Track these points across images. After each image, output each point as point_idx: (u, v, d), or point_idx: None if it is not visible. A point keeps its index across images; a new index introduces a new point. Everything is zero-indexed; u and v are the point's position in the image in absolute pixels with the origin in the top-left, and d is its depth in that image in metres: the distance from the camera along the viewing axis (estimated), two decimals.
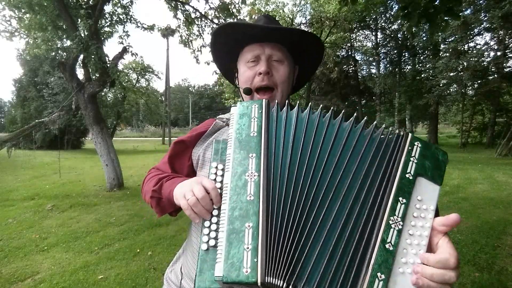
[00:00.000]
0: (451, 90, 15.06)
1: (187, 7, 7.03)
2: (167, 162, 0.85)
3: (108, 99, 17.28)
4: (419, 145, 0.55)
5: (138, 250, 3.20)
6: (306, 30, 0.84)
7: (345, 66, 21.27)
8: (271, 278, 0.47)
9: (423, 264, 0.47)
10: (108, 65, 5.63)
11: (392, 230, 0.49)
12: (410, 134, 0.56)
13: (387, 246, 0.48)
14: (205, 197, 0.57)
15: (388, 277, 0.46)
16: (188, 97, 51.13)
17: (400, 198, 0.51)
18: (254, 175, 0.54)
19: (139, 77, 19.85)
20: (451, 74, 13.57)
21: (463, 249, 3.03)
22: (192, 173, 0.83)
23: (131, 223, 4.09)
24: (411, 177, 0.52)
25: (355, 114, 0.61)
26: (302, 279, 0.47)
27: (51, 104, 16.41)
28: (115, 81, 5.99)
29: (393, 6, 16.58)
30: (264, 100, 0.63)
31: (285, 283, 0.47)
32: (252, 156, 0.56)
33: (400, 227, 0.49)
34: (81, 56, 5.73)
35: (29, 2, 5.05)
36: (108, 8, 6.35)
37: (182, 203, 0.62)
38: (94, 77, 5.99)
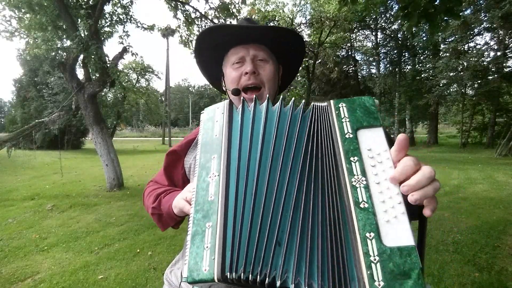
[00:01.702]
0: (451, 90, 15.05)
1: (187, 7, 7.03)
2: (163, 173, 0.87)
3: (108, 99, 17.28)
4: (344, 104, 0.56)
5: (138, 250, 3.20)
6: (289, 28, 0.86)
7: (345, 66, 21.27)
8: (230, 273, 0.47)
9: (401, 185, 0.48)
10: (108, 65, 5.63)
11: (358, 189, 0.49)
12: (331, 101, 0.58)
13: (361, 205, 0.48)
14: None
15: (378, 231, 0.46)
16: (188, 97, 51.14)
17: (351, 158, 0.51)
18: (215, 176, 0.56)
19: (139, 77, 19.86)
20: (451, 74, 13.57)
21: (463, 249, 3.04)
22: (187, 181, 0.85)
23: (131, 223, 4.09)
24: (351, 135, 0.53)
25: (281, 97, 0.62)
26: (267, 268, 0.47)
27: (51, 104, 16.41)
28: (115, 81, 5.99)
29: (393, 6, 16.57)
30: (226, 101, 0.64)
31: (246, 275, 0.47)
32: (213, 157, 0.58)
33: (364, 183, 0.49)
34: (81, 56, 5.73)
35: (29, 2, 5.05)
36: (108, 8, 6.36)
37: (181, 204, 0.64)
38: (94, 77, 5.99)
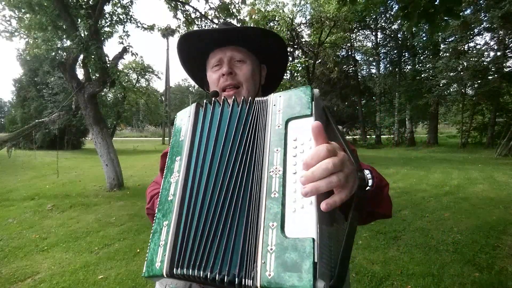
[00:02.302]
0: (451, 90, 15.06)
1: (187, 7, 7.03)
2: (160, 175, 0.90)
3: (108, 99, 17.30)
4: (281, 96, 0.57)
5: (138, 250, 3.20)
6: (259, 27, 0.87)
7: (345, 66, 21.29)
8: (179, 269, 0.49)
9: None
10: (108, 65, 5.63)
11: (273, 179, 0.50)
12: (272, 94, 0.58)
13: (272, 195, 0.48)
14: None
15: (282, 222, 0.46)
16: (188, 97, 51.11)
17: (275, 149, 0.52)
18: (176, 176, 0.58)
19: (139, 77, 19.87)
20: (451, 74, 13.57)
21: (463, 249, 3.03)
22: None
23: (131, 223, 4.09)
24: (281, 126, 0.54)
25: (233, 97, 0.63)
26: (208, 266, 0.48)
27: (51, 104, 16.42)
28: (115, 81, 5.99)
29: (393, 6, 16.58)
30: (193, 104, 0.65)
31: (192, 271, 0.48)
32: (177, 159, 0.60)
33: (280, 173, 0.50)
34: (81, 56, 5.73)
35: (29, 2, 5.05)
36: (108, 8, 6.35)
37: None
38: (94, 77, 6.00)
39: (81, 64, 6.04)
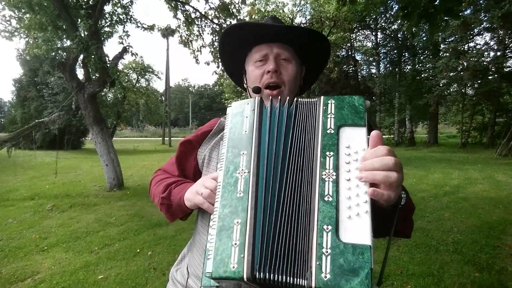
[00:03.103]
0: (451, 90, 15.06)
1: (187, 7, 7.03)
2: (175, 163, 0.86)
3: (108, 99, 17.28)
4: (333, 101, 0.57)
5: (138, 250, 3.20)
6: (316, 30, 0.85)
7: (345, 66, 21.26)
8: (258, 272, 0.47)
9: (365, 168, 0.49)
10: (108, 65, 5.63)
11: (327, 183, 0.50)
12: (322, 97, 0.58)
13: (326, 198, 0.49)
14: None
15: (336, 226, 0.47)
16: (188, 97, 51.12)
17: (327, 153, 0.52)
18: (244, 172, 0.55)
19: (139, 77, 19.86)
20: (451, 74, 13.57)
21: (463, 249, 3.04)
22: (198, 173, 0.83)
23: (131, 223, 4.09)
24: (332, 131, 0.54)
25: (279, 98, 0.63)
26: (287, 267, 0.48)
27: (51, 104, 16.41)
28: (115, 81, 5.99)
29: (393, 6, 16.57)
30: (256, 98, 0.63)
31: (272, 275, 0.47)
32: (243, 153, 0.57)
33: (334, 177, 0.50)
34: (81, 56, 5.73)
35: (29, 2, 5.05)
36: (108, 8, 6.35)
37: (197, 200, 0.64)
38: (94, 77, 6.00)
39: (81, 64, 6.04)
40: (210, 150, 0.80)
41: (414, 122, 19.67)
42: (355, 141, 0.53)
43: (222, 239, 0.50)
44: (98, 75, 5.83)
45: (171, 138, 24.82)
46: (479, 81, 13.61)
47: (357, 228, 0.46)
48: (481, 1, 12.23)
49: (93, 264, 2.90)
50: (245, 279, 0.47)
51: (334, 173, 0.50)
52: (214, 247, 0.50)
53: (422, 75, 17.49)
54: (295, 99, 0.61)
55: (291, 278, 0.47)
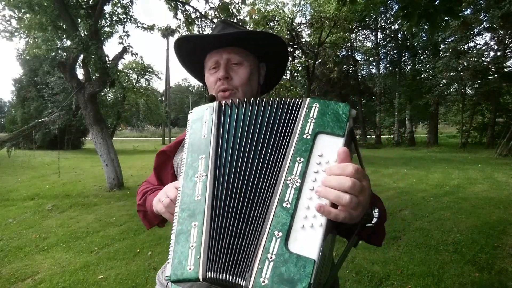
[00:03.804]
0: (451, 90, 15.06)
1: (187, 7, 7.03)
2: (154, 174, 0.90)
3: (108, 99, 17.29)
4: (317, 105, 0.55)
5: (138, 250, 3.20)
6: (258, 30, 0.86)
7: (345, 66, 21.26)
8: (212, 272, 0.48)
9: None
10: (108, 65, 5.63)
11: (289, 189, 0.49)
12: (308, 99, 0.57)
13: (284, 204, 0.48)
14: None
15: (287, 234, 0.46)
16: (188, 97, 51.12)
17: (298, 158, 0.51)
18: (202, 175, 0.56)
19: (139, 77, 19.85)
20: (451, 74, 13.57)
21: (463, 249, 3.03)
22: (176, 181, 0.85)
23: (131, 223, 4.09)
24: (309, 136, 0.52)
25: (264, 97, 0.62)
26: (236, 267, 0.48)
27: (51, 104, 16.41)
28: (115, 81, 5.99)
29: (393, 6, 16.58)
30: (215, 102, 0.64)
31: (223, 275, 0.47)
32: (202, 157, 0.58)
33: (297, 184, 0.49)
34: (81, 56, 5.73)
35: (29, 2, 5.05)
36: (108, 8, 6.35)
37: (158, 208, 0.64)
38: (94, 77, 6.00)
39: (81, 64, 6.04)
40: (182, 158, 0.81)
41: (414, 122, 19.69)
42: (330, 150, 0.51)
43: (180, 242, 0.51)
44: (98, 75, 5.83)
45: (171, 138, 24.81)
46: (479, 81, 13.62)
47: (307, 239, 0.46)
48: (481, 1, 12.23)
49: (93, 264, 2.90)
50: (201, 280, 0.47)
51: (299, 180, 0.49)
52: (173, 251, 0.51)
53: (422, 75, 17.51)
54: (261, 98, 0.60)
55: (233, 277, 0.47)
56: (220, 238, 0.50)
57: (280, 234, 0.46)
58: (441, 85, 14.42)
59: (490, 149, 12.81)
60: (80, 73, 6.54)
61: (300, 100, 0.57)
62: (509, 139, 11.02)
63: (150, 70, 19.89)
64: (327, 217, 0.46)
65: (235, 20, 6.77)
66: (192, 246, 0.50)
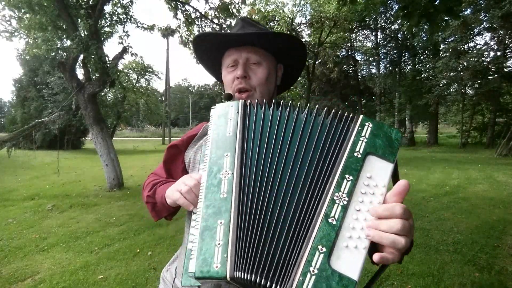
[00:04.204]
0: (451, 90, 15.06)
1: (187, 7, 7.03)
2: (163, 167, 0.89)
3: (108, 99, 17.27)
4: (370, 125, 0.55)
5: (138, 250, 3.20)
6: (281, 32, 0.86)
7: (345, 66, 21.27)
8: (240, 272, 0.48)
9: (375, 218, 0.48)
10: (108, 65, 5.63)
11: (336, 205, 0.49)
12: (361, 116, 0.56)
13: (330, 220, 0.48)
14: (197, 185, 0.60)
15: (330, 250, 0.46)
16: (188, 97, 51.13)
17: (347, 176, 0.51)
18: (228, 173, 0.56)
19: (139, 77, 19.84)
20: (451, 74, 13.57)
21: (463, 249, 3.04)
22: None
23: (131, 223, 4.09)
24: (359, 155, 0.52)
25: (308, 105, 0.62)
26: (270, 271, 0.48)
27: (51, 104, 16.40)
28: (115, 81, 5.99)
29: (393, 6, 16.57)
30: (240, 101, 0.64)
31: (253, 277, 0.47)
32: (227, 155, 0.58)
33: (345, 202, 0.49)
34: (81, 56, 5.73)
35: (29, 2, 5.05)
36: (108, 8, 6.35)
37: (175, 196, 0.64)
38: (94, 77, 5.99)
39: (81, 64, 6.04)
40: (195, 153, 0.82)
41: (414, 122, 19.67)
42: (379, 174, 0.51)
43: (205, 239, 0.51)
44: (98, 75, 5.83)
45: (171, 138, 24.83)
46: (479, 81, 13.61)
47: (350, 259, 0.46)
48: (481, 1, 12.23)
49: (93, 264, 2.90)
50: (229, 279, 0.47)
51: (347, 198, 0.49)
52: (197, 247, 0.50)
53: (422, 75, 17.49)
54: (301, 104, 0.60)
55: (271, 283, 0.47)
56: (248, 239, 0.50)
57: (324, 249, 0.46)
58: (441, 85, 14.42)
59: (490, 149, 12.81)
60: (80, 73, 6.53)
61: (353, 115, 0.57)
62: (509, 139, 11.02)
63: (150, 70, 19.87)
64: (381, 262, 0.46)
65: (235, 21, 6.77)
66: (219, 244, 0.50)
